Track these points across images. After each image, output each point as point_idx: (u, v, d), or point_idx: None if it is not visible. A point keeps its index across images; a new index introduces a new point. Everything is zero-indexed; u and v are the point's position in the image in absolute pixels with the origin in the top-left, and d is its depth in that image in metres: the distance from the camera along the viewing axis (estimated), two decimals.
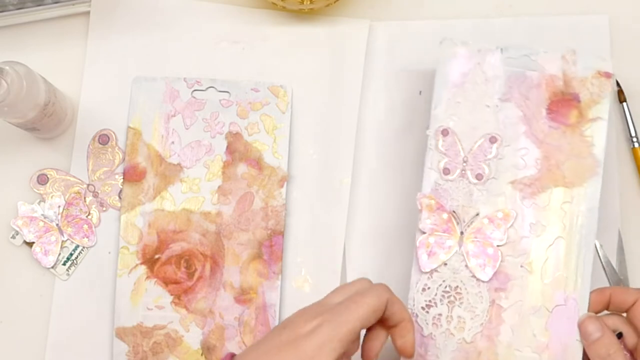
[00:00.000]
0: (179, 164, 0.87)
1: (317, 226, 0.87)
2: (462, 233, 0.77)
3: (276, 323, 0.84)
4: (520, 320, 0.76)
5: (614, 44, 0.89)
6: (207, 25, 0.91)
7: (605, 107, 0.79)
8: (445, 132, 0.79)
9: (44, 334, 0.86)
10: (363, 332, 0.71)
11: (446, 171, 0.78)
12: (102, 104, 0.90)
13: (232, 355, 0.68)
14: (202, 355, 0.84)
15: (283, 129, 0.88)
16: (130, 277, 0.85)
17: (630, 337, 0.75)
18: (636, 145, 0.87)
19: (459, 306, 0.77)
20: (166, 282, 0.85)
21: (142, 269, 0.85)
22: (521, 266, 0.77)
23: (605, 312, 0.77)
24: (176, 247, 0.85)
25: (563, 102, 0.79)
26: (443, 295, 0.77)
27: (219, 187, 0.86)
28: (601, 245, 0.85)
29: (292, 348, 0.64)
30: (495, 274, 0.77)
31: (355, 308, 0.66)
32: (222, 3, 0.92)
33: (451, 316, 0.77)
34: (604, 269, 0.84)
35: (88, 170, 0.88)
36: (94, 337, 0.86)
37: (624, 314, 0.76)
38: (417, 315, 0.77)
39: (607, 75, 0.79)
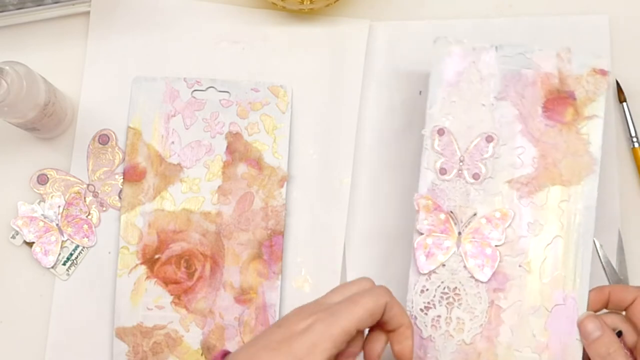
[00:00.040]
0: (179, 164, 0.87)
1: (317, 226, 0.87)
2: (459, 233, 0.77)
3: None
4: (520, 321, 0.76)
5: (614, 44, 0.89)
6: (207, 25, 0.92)
7: (601, 105, 0.79)
8: (441, 132, 0.79)
9: (44, 334, 0.86)
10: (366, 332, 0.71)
11: (443, 171, 0.78)
12: (102, 104, 0.90)
13: (225, 353, 0.68)
14: (202, 355, 0.84)
15: (283, 129, 0.88)
16: (130, 277, 0.85)
17: (629, 335, 0.75)
18: (636, 145, 0.87)
19: (457, 307, 0.77)
20: (166, 282, 0.85)
21: (142, 269, 0.85)
22: (519, 266, 0.76)
23: (604, 310, 0.77)
24: (176, 247, 0.86)
25: (559, 100, 0.79)
26: (442, 297, 0.77)
27: (219, 187, 0.87)
28: (601, 245, 0.85)
29: (285, 347, 0.64)
30: (493, 274, 0.76)
31: (351, 309, 0.65)
32: (222, 3, 0.92)
33: (450, 318, 0.77)
34: (604, 269, 0.85)
35: (88, 170, 0.89)
36: (94, 337, 0.86)
37: (623, 312, 0.76)
38: (415, 317, 0.77)
39: (603, 72, 0.79)
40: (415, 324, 0.76)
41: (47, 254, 0.87)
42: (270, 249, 0.85)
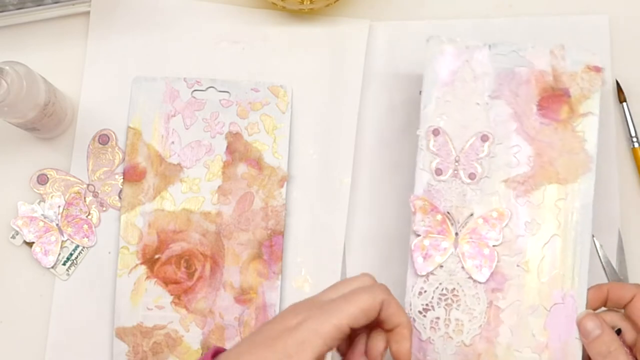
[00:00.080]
0: (179, 164, 0.87)
1: (317, 226, 0.88)
2: (457, 234, 0.77)
3: None
4: (519, 321, 0.76)
5: (614, 44, 0.89)
6: (207, 25, 0.92)
7: (596, 102, 0.79)
8: (436, 132, 0.79)
9: (44, 334, 0.87)
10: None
11: (438, 172, 0.78)
12: (102, 104, 0.90)
13: (216, 350, 0.68)
14: (202, 355, 0.84)
15: (283, 129, 0.88)
16: (130, 277, 0.86)
17: (629, 333, 0.75)
18: (636, 145, 0.87)
19: (456, 309, 0.76)
20: (166, 282, 0.85)
21: (142, 269, 0.86)
22: (517, 265, 0.76)
23: (603, 308, 0.77)
24: (176, 247, 0.86)
25: (553, 98, 0.79)
26: (440, 298, 0.77)
27: (219, 187, 0.87)
28: (601, 245, 0.85)
29: (275, 343, 0.64)
30: (492, 274, 0.76)
31: (344, 306, 0.65)
32: (222, 3, 0.92)
33: (449, 319, 0.76)
34: (604, 269, 0.84)
35: (88, 170, 0.89)
36: (94, 337, 0.86)
37: (622, 310, 0.76)
38: (414, 320, 0.77)
39: (597, 69, 0.79)
40: (414, 326, 0.76)
41: (47, 254, 0.87)
42: (270, 249, 0.86)
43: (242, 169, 0.87)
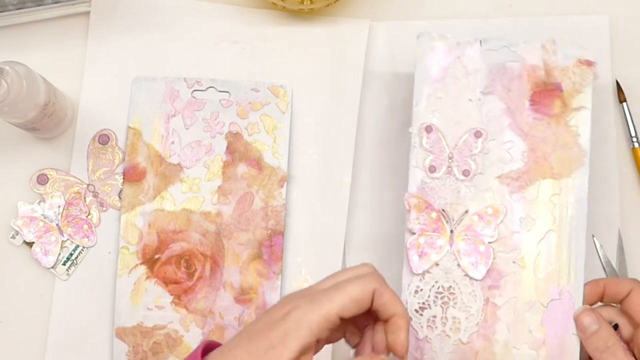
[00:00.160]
0: (179, 164, 0.89)
1: (317, 226, 0.89)
2: (452, 231, 0.78)
3: None
4: (516, 317, 0.76)
5: (614, 44, 0.90)
6: (207, 25, 0.93)
7: (588, 96, 0.79)
8: (429, 129, 0.79)
9: (44, 334, 0.88)
10: None
11: (432, 169, 0.79)
12: (102, 104, 0.91)
13: (208, 344, 0.68)
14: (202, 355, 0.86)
15: (283, 129, 0.89)
16: (130, 277, 0.87)
17: (625, 328, 0.75)
18: (636, 145, 0.88)
19: (453, 307, 0.77)
20: (166, 282, 0.87)
21: (142, 269, 0.87)
22: (513, 262, 0.77)
23: (599, 303, 0.78)
24: (176, 247, 0.87)
25: (545, 93, 0.80)
26: (436, 297, 0.77)
27: (219, 187, 0.88)
28: (601, 245, 0.85)
29: (261, 334, 0.64)
30: (488, 271, 0.77)
31: (332, 296, 0.65)
32: (222, 3, 0.93)
33: (446, 317, 0.77)
34: (604, 268, 0.85)
35: (88, 170, 0.90)
36: (94, 337, 0.87)
37: (619, 305, 0.77)
38: (411, 319, 0.77)
39: (589, 63, 0.80)
40: (410, 325, 0.76)
41: (47, 254, 0.88)
42: (270, 249, 0.87)
43: (242, 169, 0.89)
